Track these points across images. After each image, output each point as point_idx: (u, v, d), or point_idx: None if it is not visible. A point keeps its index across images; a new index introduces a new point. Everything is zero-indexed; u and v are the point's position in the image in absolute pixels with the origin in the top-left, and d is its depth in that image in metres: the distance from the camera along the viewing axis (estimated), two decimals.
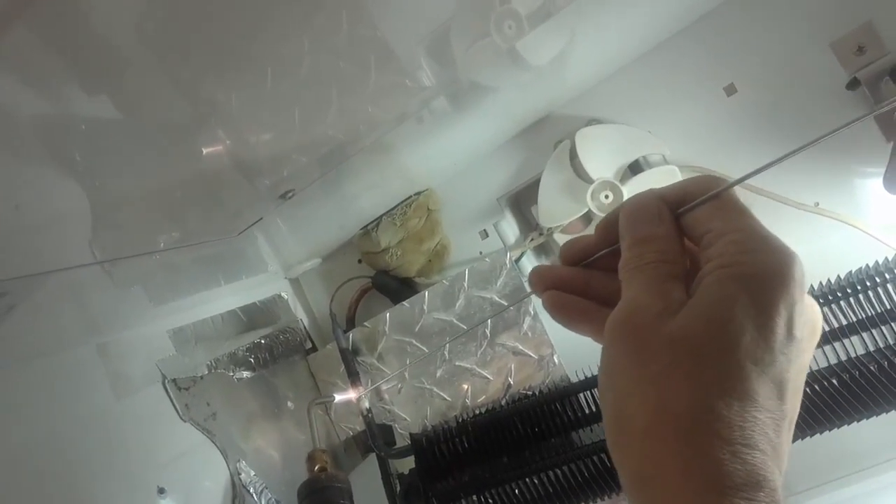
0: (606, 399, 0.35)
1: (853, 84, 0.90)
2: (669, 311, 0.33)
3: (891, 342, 0.76)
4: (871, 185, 0.93)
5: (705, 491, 0.29)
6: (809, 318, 0.33)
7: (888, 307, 0.77)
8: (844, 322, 0.78)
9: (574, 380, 0.88)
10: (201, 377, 0.82)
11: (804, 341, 0.32)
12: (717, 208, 0.35)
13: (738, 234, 0.33)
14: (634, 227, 0.37)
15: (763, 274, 0.32)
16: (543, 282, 0.42)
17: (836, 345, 0.77)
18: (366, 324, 1.03)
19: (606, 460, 0.80)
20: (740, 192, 0.36)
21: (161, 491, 0.69)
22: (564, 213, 0.99)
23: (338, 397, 1.02)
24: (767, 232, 0.34)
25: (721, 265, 0.33)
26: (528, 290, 0.44)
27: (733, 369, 0.30)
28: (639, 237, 0.37)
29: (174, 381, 0.78)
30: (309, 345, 1.11)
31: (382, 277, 1.13)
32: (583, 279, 0.42)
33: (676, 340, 0.32)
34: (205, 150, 0.67)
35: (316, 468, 0.84)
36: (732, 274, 0.32)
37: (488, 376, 0.96)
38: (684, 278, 0.35)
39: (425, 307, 1.00)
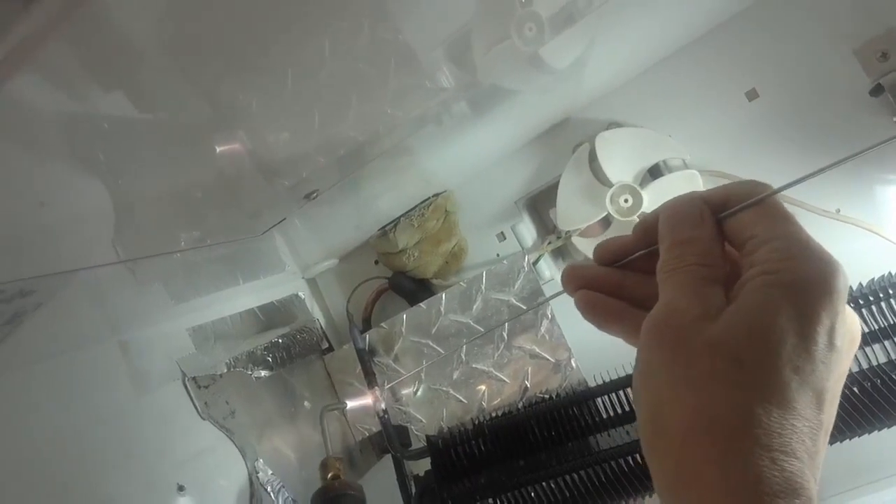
0: (642, 401, 0.35)
1: (877, 90, 0.89)
2: (708, 316, 0.33)
3: None
4: (893, 191, 0.92)
5: (743, 497, 0.29)
6: (849, 328, 0.33)
7: None
8: (867, 330, 0.77)
9: (592, 384, 0.88)
10: (220, 375, 0.83)
11: (844, 351, 0.32)
12: (761, 214, 0.35)
13: (781, 242, 0.33)
14: (675, 228, 0.37)
15: (806, 282, 0.31)
16: (576, 281, 0.42)
17: (859, 353, 0.76)
18: (382, 324, 1.04)
19: (624, 465, 0.79)
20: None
21: (181, 488, 0.69)
22: (583, 217, 0.99)
23: (350, 404, 1.03)
24: (811, 240, 0.33)
25: (764, 272, 0.32)
26: (548, 293, 0.44)
27: (774, 377, 0.30)
28: (679, 239, 0.37)
29: (194, 379, 0.78)
30: (325, 345, 1.12)
31: (399, 278, 1.13)
32: (616, 280, 0.41)
33: (716, 345, 0.32)
34: (227, 151, 0.67)
35: (329, 476, 0.84)
36: (775, 281, 0.32)
37: (505, 379, 0.96)
38: (724, 283, 0.35)
39: (442, 309, 1.00)
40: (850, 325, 0.33)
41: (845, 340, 0.32)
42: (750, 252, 0.34)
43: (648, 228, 0.39)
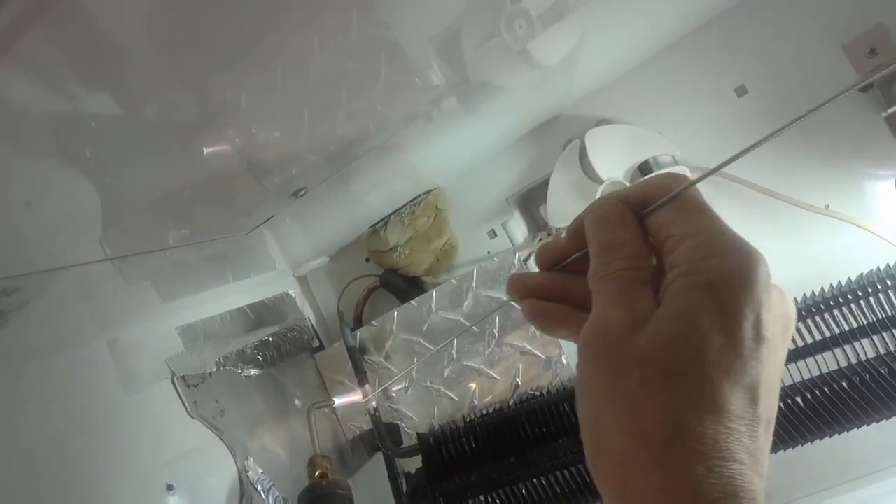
0: (583, 418, 0.35)
1: (865, 86, 0.89)
2: (638, 324, 0.33)
3: None
4: (882, 187, 0.92)
5: None
6: (780, 314, 0.33)
7: None
8: (855, 325, 0.78)
9: None
10: (210, 374, 0.82)
11: (776, 339, 0.32)
12: (677, 210, 0.35)
13: (698, 239, 0.33)
14: (600, 233, 0.37)
15: (726, 279, 0.31)
16: (521, 290, 0.42)
17: (847, 347, 0.77)
18: (373, 322, 1.04)
19: None
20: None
21: (170, 488, 0.69)
22: (573, 213, 0.98)
23: (337, 401, 1.02)
24: (729, 233, 0.33)
25: (683, 273, 0.32)
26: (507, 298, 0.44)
27: (703, 383, 0.30)
28: (605, 244, 0.36)
29: (183, 377, 0.78)
30: (316, 343, 1.11)
31: (390, 276, 1.13)
32: (559, 284, 0.41)
33: (645, 357, 0.32)
34: (215, 149, 0.67)
35: (317, 474, 0.83)
36: (694, 283, 0.32)
37: (496, 376, 0.96)
38: (652, 281, 0.35)
39: (433, 306, 1.00)
40: (780, 309, 0.33)
41: (777, 328, 0.32)
42: (669, 251, 0.34)
43: (580, 230, 0.39)
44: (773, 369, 0.32)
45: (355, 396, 1.01)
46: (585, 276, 0.38)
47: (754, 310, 0.31)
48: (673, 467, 0.29)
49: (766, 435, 0.32)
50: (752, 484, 0.29)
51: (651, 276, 0.35)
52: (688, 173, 0.95)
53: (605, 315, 0.34)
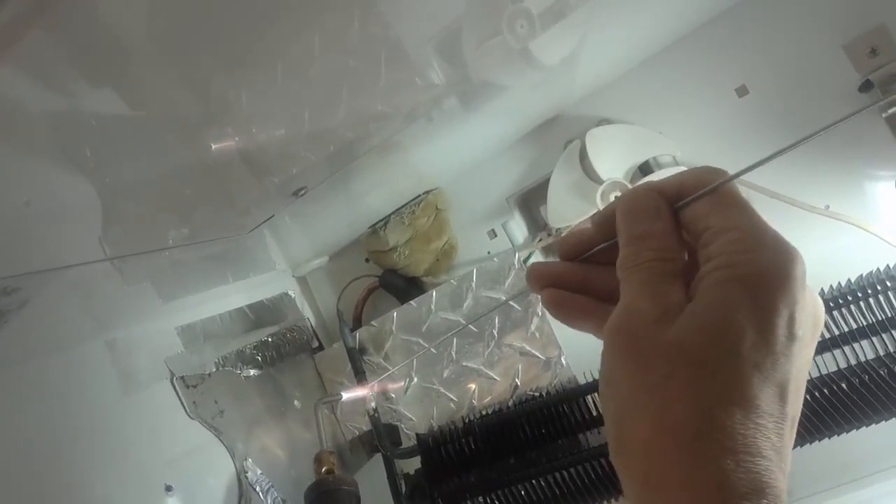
0: (607, 409, 0.34)
1: (866, 86, 0.89)
2: (668, 316, 0.32)
3: None
4: (883, 188, 0.92)
5: (708, 502, 0.29)
6: (811, 313, 0.32)
7: None
8: (855, 326, 0.78)
9: (582, 381, 0.88)
10: (209, 375, 0.82)
11: (806, 338, 0.32)
12: (716, 203, 0.35)
13: (736, 233, 0.33)
14: (632, 223, 0.37)
15: (763, 274, 0.31)
16: (541, 279, 0.41)
17: (847, 349, 0.77)
18: (373, 323, 1.03)
19: None
20: (743, 188, 0.35)
21: (168, 488, 0.69)
22: (574, 214, 0.99)
23: (345, 395, 1.02)
24: (767, 228, 0.33)
25: (720, 266, 0.32)
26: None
27: (734, 377, 0.30)
28: (636, 234, 0.36)
29: (182, 378, 0.78)
30: (316, 343, 1.11)
31: (390, 276, 1.13)
32: (581, 274, 0.41)
33: (676, 349, 0.31)
34: (215, 148, 0.67)
35: (323, 470, 0.83)
36: (732, 276, 0.31)
37: (495, 377, 0.96)
38: (683, 275, 0.34)
39: (433, 307, 0.99)
40: (812, 310, 0.32)
41: (807, 327, 0.32)
42: (706, 244, 0.34)
43: (608, 220, 0.39)
44: (801, 367, 0.32)
45: (363, 391, 1.00)
46: (609, 267, 0.37)
47: (789, 307, 0.31)
48: (701, 461, 0.29)
49: (791, 433, 0.31)
50: (777, 481, 0.29)
51: (682, 271, 0.35)
52: None
53: (633, 305, 0.34)
